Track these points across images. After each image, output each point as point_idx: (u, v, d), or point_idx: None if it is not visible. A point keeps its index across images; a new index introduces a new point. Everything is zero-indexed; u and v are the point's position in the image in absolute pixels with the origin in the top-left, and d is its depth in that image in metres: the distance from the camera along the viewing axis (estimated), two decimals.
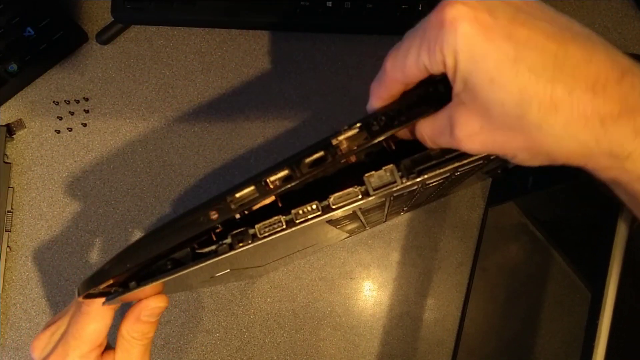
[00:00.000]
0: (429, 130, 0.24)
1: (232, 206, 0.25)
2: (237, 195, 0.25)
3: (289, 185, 0.24)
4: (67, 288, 0.54)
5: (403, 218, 0.54)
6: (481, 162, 0.26)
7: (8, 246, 0.54)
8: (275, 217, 0.25)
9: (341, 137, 0.24)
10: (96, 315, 0.30)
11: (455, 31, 0.21)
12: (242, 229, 0.25)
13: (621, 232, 0.28)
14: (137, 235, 0.55)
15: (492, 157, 0.26)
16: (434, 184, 0.29)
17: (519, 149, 0.23)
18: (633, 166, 0.21)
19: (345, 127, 0.24)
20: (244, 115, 0.56)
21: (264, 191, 0.24)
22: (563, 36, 0.21)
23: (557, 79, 0.20)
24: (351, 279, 0.54)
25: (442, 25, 0.21)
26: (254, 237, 0.25)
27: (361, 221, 0.37)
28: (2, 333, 0.54)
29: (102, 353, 0.32)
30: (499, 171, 0.50)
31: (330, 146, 0.24)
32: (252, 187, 0.25)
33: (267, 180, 0.24)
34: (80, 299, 0.28)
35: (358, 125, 0.24)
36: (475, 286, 0.52)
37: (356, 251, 0.54)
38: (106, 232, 0.55)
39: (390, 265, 0.54)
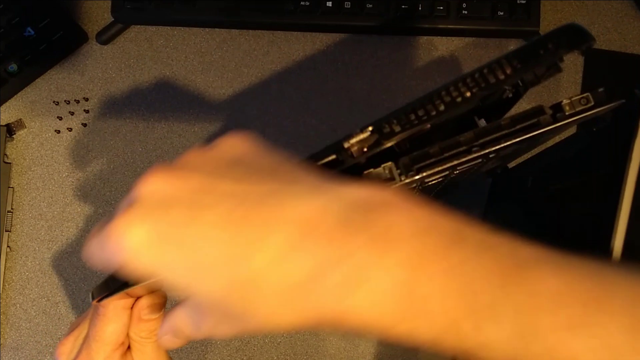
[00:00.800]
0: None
1: None
2: None
3: None
4: (67, 288, 0.55)
5: None
6: (481, 160, 0.26)
7: (8, 246, 0.54)
8: None
9: (353, 141, 0.24)
10: (113, 316, 0.31)
11: (124, 247, 0.20)
12: None
13: (619, 234, 0.28)
14: None
15: (491, 156, 0.26)
16: (433, 182, 0.29)
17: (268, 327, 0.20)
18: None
19: (357, 130, 0.24)
20: (244, 115, 0.56)
21: None
22: (243, 209, 0.19)
23: (243, 258, 0.18)
24: None
25: (111, 238, 0.20)
26: None
27: None
28: (2, 333, 0.54)
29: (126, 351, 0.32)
30: (499, 171, 0.50)
31: (342, 149, 0.24)
32: None
33: None
34: (95, 302, 0.28)
35: (370, 128, 0.24)
36: None
37: None
38: None
39: None
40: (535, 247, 0.19)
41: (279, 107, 0.56)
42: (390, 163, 0.24)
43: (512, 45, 0.56)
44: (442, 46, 0.56)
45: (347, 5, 0.54)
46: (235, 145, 0.22)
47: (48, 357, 0.53)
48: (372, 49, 0.56)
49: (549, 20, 0.56)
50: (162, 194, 0.20)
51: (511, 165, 0.50)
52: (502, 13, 0.53)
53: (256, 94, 0.56)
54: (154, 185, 0.20)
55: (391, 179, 0.24)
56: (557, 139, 0.41)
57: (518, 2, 0.53)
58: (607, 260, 0.20)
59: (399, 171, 0.24)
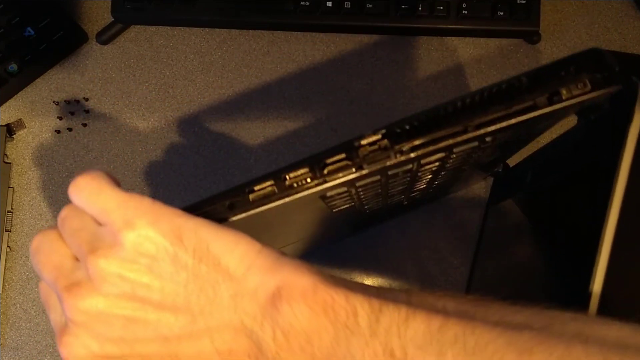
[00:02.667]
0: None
1: (251, 198, 0.25)
2: (256, 188, 0.25)
3: (309, 185, 0.25)
4: None
5: (402, 217, 0.54)
6: (477, 143, 0.26)
7: (8, 246, 0.54)
8: (270, 188, 0.26)
9: (364, 141, 0.25)
10: None
11: None
12: (238, 198, 0.26)
13: (610, 224, 0.28)
14: None
15: (487, 139, 0.26)
16: (429, 166, 0.29)
17: None
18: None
19: (369, 132, 0.25)
20: (244, 115, 0.56)
21: (282, 187, 0.25)
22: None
23: None
24: (351, 279, 0.54)
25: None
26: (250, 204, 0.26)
27: (359, 211, 0.38)
28: (2, 333, 0.54)
29: None
30: (500, 170, 0.50)
31: (353, 149, 0.25)
32: (270, 182, 0.25)
33: (287, 177, 0.25)
34: None
35: (382, 131, 0.25)
36: (475, 286, 0.52)
37: (355, 251, 0.54)
38: None
39: (390, 265, 0.54)
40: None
41: (279, 107, 0.56)
42: (385, 140, 0.25)
43: (512, 45, 0.56)
44: (442, 46, 0.56)
45: (347, 5, 0.54)
46: (145, 243, 0.22)
47: (48, 357, 0.53)
48: (372, 49, 0.56)
49: (549, 21, 0.56)
50: (86, 327, 0.22)
51: (512, 164, 0.50)
52: (502, 13, 0.53)
53: (256, 94, 0.56)
54: (79, 313, 0.22)
55: (387, 157, 0.25)
56: (557, 133, 0.41)
57: (518, 2, 0.53)
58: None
59: (394, 149, 0.25)
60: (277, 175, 0.25)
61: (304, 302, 0.21)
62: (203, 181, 0.55)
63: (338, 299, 0.21)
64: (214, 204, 0.25)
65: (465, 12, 0.53)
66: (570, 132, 0.39)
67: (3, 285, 0.54)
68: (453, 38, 0.56)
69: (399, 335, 0.20)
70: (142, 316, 0.22)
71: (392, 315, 0.21)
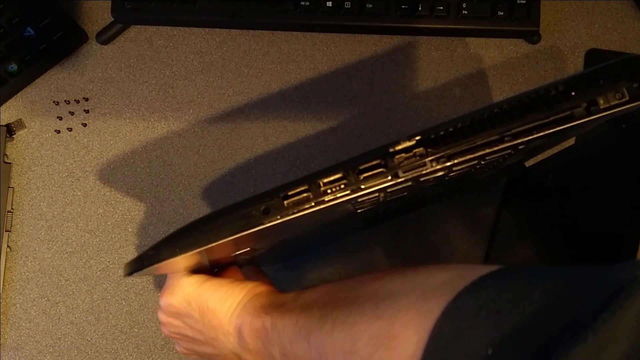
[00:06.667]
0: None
1: (285, 203, 0.26)
2: (291, 193, 0.26)
3: (344, 193, 0.25)
4: (67, 288, 0.54)
5: (411, 216, 0.54)
6: (510, 150, 0.26)
7: (8, 246, 0.54)
8: (305, 194, 0.26)
9: (399, 147, 0.25)
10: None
11: None
12: (272, 202, 0.26)
13: None
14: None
15: (521, 147, 0.26)
16: (458, 171, 0.29)
17: None
18: None
19: (404, 138, 0.25)
20: (244, 115, 0.56)
21: (317, 194, 0.26)
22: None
23: None
24: (362, 270, 0.54)
25: None
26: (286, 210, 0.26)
27: (379, 208, 0.38)
28: (2, 333, 0.54)
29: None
30: (515, 169, 0.50)
31: (388, 155, 0.25)
32: (305, 187, 0.26)
33: (321, 183, 0.26)
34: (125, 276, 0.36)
35: (417, 137, 0.25)
36: None
37: (358, 250, 0.54)
38: (106, 232, 0.55)
39: (395, 264, 0.54)
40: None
41: (279, 106, 0.56)
42: (421, 149, 0.25)
43: (512, 45, 0.56)
44: (442, 46, 0.56)
45: (347, 5, 0.54)
46: (169, 307, 0.38)
47: (48, 357, 0.53)
48: (372, 49, 0.56)
49: (549, 21, 0.56)
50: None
51: (529, 163, 0.49)
52: (502, 13, 0.53)
53: (256, 93, 0.56)
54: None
55: (422, 165, 0.24)
56: (580, 137, 0.41)
57: (518, 2, 0.53)
58: None
59: (430, 157, 0.25)
60: (312, 181, 0.25)
61: (249, 333, 0.35)
62: (203, 181, 0.55)
63: (261, 327, 0.34)
64: (249, 208, 0.26)
65: (465, 12, 0.53)
66: (599, 139, 0.38)
67: (3, 285, 0.54)
68: (453, 38, 0.56)
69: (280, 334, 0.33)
70: (185, 334, 0.40)
71: (286, 324, 0.33)
